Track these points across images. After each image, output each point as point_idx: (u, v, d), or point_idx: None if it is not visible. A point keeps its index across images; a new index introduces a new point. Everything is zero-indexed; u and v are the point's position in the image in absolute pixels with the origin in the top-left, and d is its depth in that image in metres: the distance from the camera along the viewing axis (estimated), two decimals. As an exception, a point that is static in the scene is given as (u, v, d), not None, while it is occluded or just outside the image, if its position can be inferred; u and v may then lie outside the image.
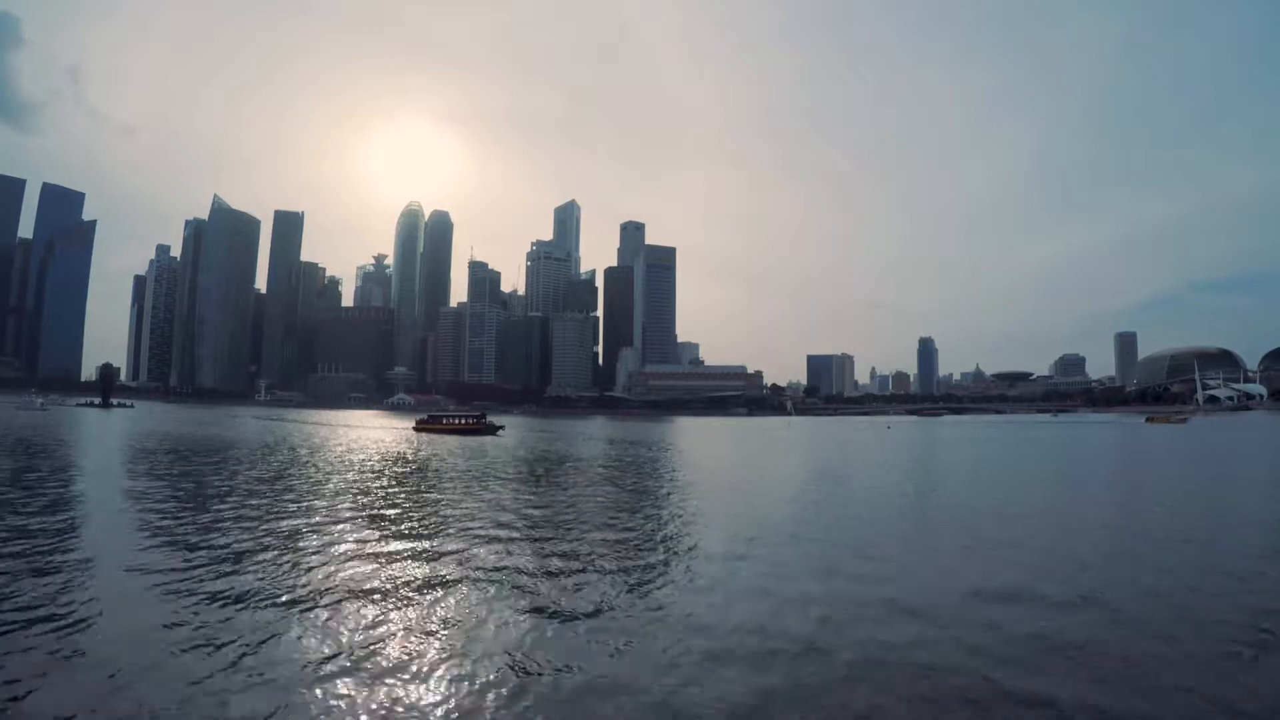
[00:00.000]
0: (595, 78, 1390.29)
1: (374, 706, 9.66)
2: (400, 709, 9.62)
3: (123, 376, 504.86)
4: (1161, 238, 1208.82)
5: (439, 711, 9.60)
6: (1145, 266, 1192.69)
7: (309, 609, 14.09)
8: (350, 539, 21.64)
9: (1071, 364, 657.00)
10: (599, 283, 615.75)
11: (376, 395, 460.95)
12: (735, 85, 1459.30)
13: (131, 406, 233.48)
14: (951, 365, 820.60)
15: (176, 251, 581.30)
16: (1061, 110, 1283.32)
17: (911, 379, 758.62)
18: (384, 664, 11.21)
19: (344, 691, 10.12)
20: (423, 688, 10.37)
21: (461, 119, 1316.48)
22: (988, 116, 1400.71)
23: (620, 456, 61.30)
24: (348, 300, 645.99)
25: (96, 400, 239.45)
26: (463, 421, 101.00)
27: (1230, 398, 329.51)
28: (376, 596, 15.11)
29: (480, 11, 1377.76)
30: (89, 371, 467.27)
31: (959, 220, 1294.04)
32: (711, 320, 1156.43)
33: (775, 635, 12.91)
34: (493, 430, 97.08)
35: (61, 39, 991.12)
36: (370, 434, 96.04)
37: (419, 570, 17.74)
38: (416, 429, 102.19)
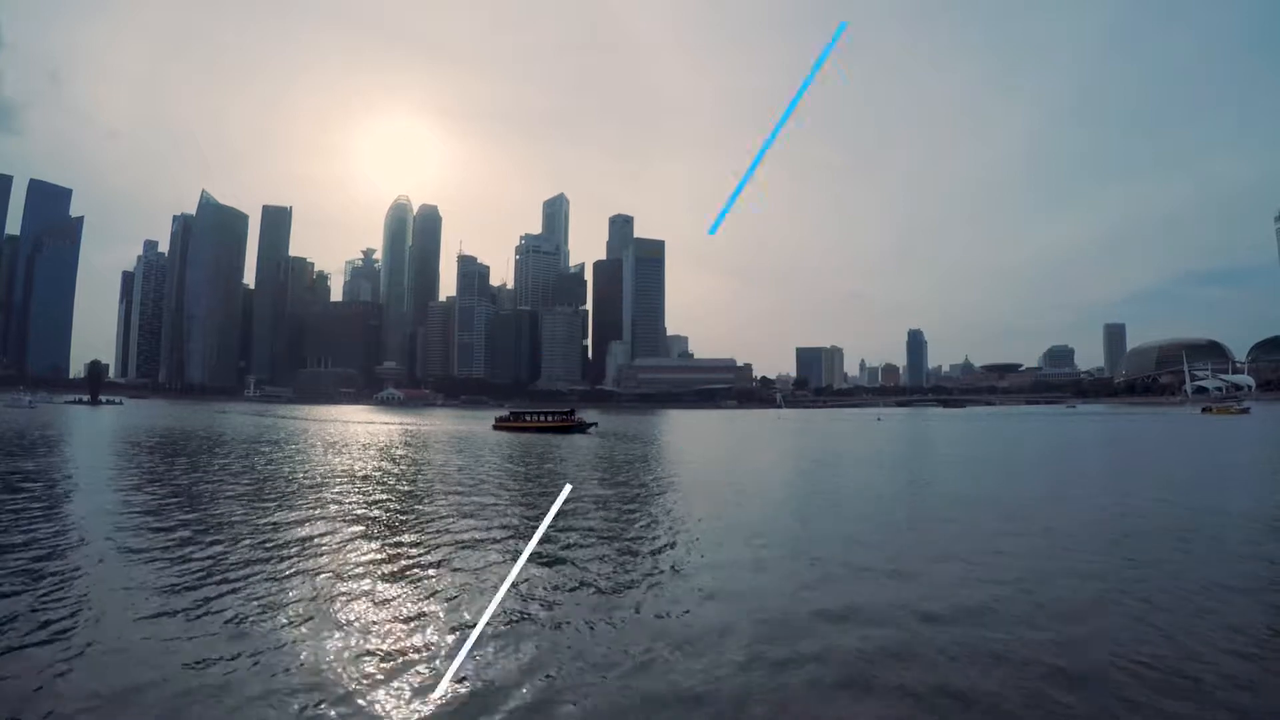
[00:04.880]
0: (584, 71, 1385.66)
1: (383, 707, 9.66)
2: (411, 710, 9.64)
3: (112, 373, 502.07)
4: (1151, 230, 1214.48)
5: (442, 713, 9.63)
6: (1134, 259, 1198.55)
7: (319, 612, 14.19)
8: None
9: (1060, 355, 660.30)
10: (588, 276, 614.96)
11: (366, 390, 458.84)
12: (724, 78, 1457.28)
13: (120, 403, 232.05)
14: (941, 357, 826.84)
15: (164, 247, 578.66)
16: (1051, 103, 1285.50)
17: (901, 371, 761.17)
18: (397, 666, 11.24)
19: (346, 692, 10.12)
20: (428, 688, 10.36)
21: (450, 113, 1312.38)
22: (977, 109, 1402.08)
23: (627, 452, 61.44)
24: (336, 295, 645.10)
25: (85, 398, 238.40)
26: (549, 419, 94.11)
27: (1219, 388, 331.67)
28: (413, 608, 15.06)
29: (469, 6, 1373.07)
30: (78, 368, 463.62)
31: (948, 212, 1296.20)
32: (701, 313, 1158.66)
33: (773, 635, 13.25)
34: (584, 428, 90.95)
35: (44, 39, 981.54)
36: (386, 430, 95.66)
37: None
38: (496, 428, 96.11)
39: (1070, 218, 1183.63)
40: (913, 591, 15.45)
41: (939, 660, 11.41)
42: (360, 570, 17.17)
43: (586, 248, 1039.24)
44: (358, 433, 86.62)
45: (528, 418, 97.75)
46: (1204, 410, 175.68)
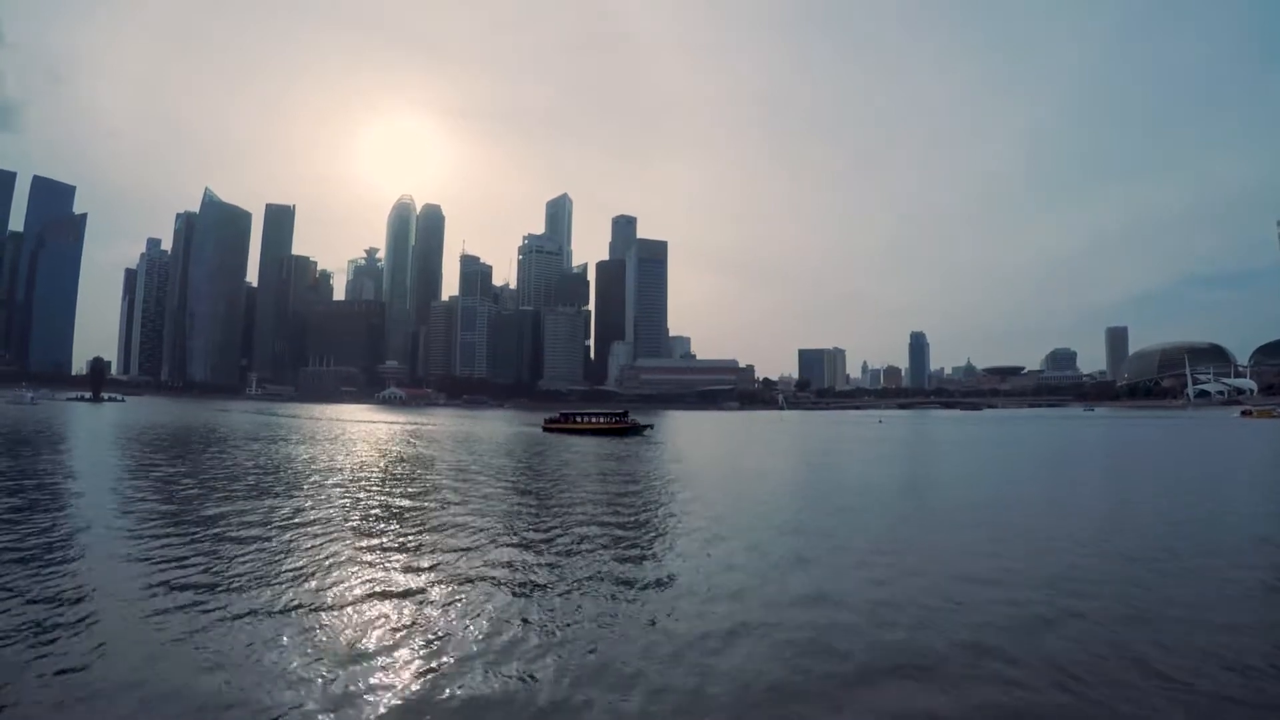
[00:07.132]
0: (587, 71, 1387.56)
1: (383, 707, 9.64)
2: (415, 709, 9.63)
3: (114, 370, 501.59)
4: (1153, 232, 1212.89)
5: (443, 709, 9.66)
6: (1136, 261, 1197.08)
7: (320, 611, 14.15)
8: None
9: (1062, 358, 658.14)
10: (591, 276, 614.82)
11: (367, 389, 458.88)
12: (726, 80, 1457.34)
13: (122, 400, 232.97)
14: (943, 359, 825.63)
15: (168, 245, 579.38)
16: (1052, 103, 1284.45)
17: (903, 373, 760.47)
18: (397, 665, 11.23)
19: (345, 691, 10.09)
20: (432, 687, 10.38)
21: (454, 113, 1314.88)
22: (979, 110, 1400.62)
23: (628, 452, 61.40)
24: (339, 294, 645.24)
25: (87, 395, 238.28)
26: (602, 421, 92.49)
27: (1221, 392, 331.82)
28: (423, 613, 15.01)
29: (469, 6, 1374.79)
30: (80, 365, 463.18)
31: (950, 214, 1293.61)
32: (703, 314, 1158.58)
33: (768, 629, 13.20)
34: (639, 430, 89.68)
35: (45, 38, 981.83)
36: (388, 430, 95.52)
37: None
38: (546, 429, 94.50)
39: (1072, 219, 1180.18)
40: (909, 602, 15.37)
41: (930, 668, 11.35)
42: (360, 569, 17.06)
43: (589, 248, 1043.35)
44: (359, 432, 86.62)
45: (578, 419, 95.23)
46: (1243, 414, 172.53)
